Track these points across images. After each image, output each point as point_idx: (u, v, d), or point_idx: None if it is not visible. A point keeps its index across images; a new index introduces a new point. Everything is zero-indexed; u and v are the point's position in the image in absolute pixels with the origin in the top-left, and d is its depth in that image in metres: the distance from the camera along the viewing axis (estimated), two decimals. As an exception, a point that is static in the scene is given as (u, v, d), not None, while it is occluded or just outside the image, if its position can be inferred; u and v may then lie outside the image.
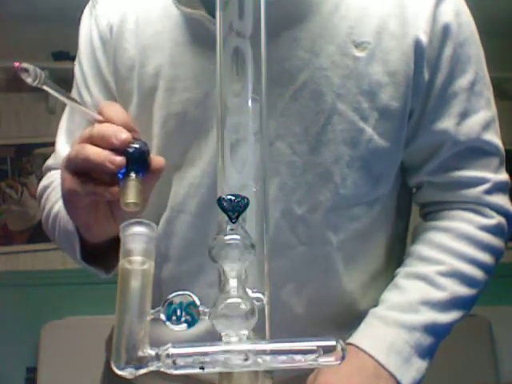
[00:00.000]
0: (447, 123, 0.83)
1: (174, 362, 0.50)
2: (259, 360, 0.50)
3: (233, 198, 0.54)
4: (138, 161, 0.64)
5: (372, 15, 0.80)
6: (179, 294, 0.52)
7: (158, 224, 0.85)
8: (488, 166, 0.86)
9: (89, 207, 0.69)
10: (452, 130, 0.83)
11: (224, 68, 0.61)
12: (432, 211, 0.90)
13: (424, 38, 0.80)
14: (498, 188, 0.87)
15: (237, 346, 0.50)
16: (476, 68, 0.85)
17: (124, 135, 0.64)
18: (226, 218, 0.54)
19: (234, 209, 0.54)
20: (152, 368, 0.50)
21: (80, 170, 0.66)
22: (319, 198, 0.81)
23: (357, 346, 0.80)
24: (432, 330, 0.81)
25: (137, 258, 0.53)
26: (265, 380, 0.57)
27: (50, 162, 0.99)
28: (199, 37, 0.81)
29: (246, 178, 0.60)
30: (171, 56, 0.83)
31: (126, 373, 0.50)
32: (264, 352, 0.50)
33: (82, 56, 0.93)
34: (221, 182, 0.60)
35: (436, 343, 0.82)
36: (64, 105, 0.76)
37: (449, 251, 0.84)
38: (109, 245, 0.78)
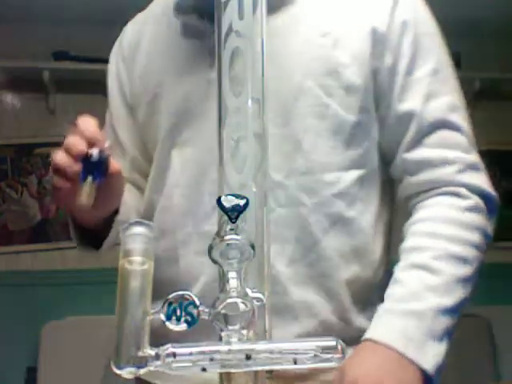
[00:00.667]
0: (413, 103, 0.91)
1: (173, 362, 0.50)
2: (259, 360, 0.50)
3: (233, 197, 0.54)
4: (93, 168, 0.80)
5: (336, 8, 0.93)
6: (179, 294, 0.52)
7: (159, 202, 0.97)
8: (457, 147, 0.91)
9: (66, 198, 0.85)
10: (418, 110, 0.91)
11: (224, 68, 0.61)
12: (414, 204, 0.93)
13: (382, 28, 0.91)
14: (470, 167, 0.91)
15: (237, 345, 0.50)
16: (438, 58, 0.94)
17: (80, 148, 0.79)
18: (226, 217, 0.54)
19: (234, 209, 0.54)
20: (152, 368, 0.50)
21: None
22: (293, 164, 0.90)
23: (372, 340, 0.81)
24: (440, 313, 0.83)
25: (137, 259, 0.53)
26: (265, 380, 0.57)
27: None
28: (194, 38, 0.95)
29: (246, 178, 0.60)
30: (173, 58, 0.97)
31: (126, 372, 0.50)
32: (264, 352, 0.50)
33: (110, 86, 1.06)
34: (221, 181, 0.60)
35: (449, 325, 0.84)
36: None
37: (438, 236, 0.87)
38: (101, 227, 0.94)
